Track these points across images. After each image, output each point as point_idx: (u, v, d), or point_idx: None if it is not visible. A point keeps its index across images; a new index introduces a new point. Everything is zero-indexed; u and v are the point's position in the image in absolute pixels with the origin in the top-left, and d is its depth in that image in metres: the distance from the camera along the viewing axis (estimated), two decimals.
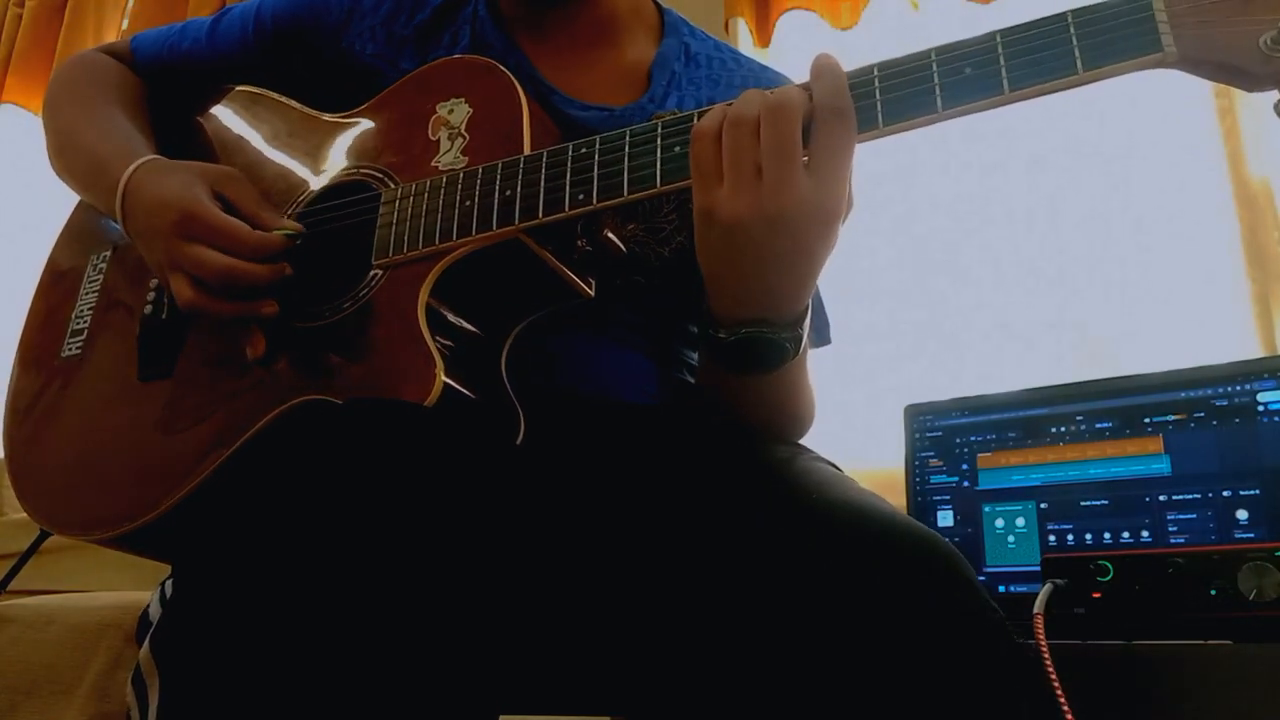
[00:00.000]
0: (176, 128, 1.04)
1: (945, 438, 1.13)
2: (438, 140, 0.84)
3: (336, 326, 0.81)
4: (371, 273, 0.81)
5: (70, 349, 0.98)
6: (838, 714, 0.58)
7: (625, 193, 0.73)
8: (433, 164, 0.83)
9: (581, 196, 0.74)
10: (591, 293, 0.83)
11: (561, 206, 0.75)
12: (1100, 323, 1.60)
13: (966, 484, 1.10)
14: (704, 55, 0.99)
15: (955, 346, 1.65)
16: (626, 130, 0.75)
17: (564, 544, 0.74)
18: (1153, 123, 1.59)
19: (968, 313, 1.66)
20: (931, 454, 1.14)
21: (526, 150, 0.79)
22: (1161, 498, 0.99)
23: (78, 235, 1.06)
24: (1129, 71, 0.65)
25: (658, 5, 1.02)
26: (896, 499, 1.13)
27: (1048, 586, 0.86)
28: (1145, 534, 0.99)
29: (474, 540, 0.63)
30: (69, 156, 1.00)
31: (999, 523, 1.07)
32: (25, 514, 0.92)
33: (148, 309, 0.93)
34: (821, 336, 0.99)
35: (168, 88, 1.06)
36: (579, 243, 0.80)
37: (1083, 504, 1.03)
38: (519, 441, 0.78)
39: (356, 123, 0.92)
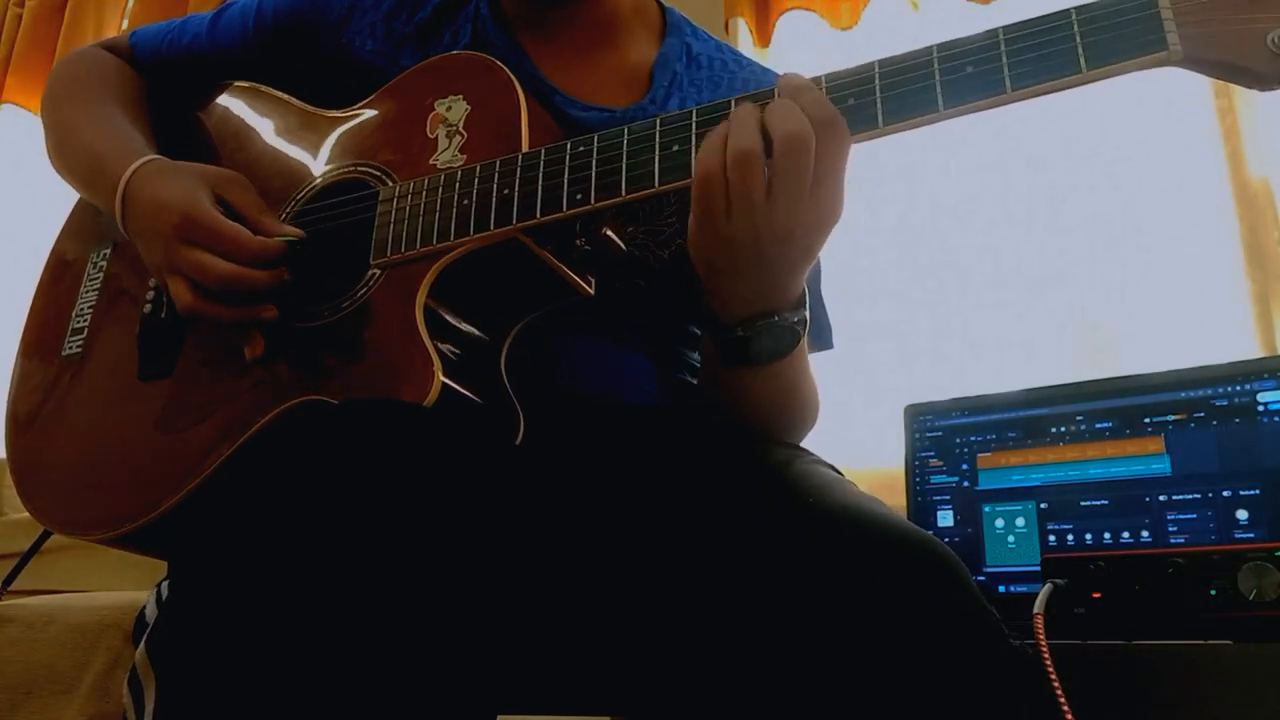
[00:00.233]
0: (175, 124, 1.03)
1: (945, 438, 1.13)
2: (436, 138, 0.84)
3: (335, 326, 0.81)
4: (370, 272, 0.81)
5: (71, 348, 0.98)
6: (838, 715, 0.58)
7: (623, 192, 0.73)
8: (430, 162, 0.83)
9: (579, 196, 0.74)
10: (591, 291, 0.83)
11: (559, 206, 0.75)
12: (1100, 323, 1.60)
13: (966, 484, 1.10)
14: (705, 56, 0.99)
15: (955, 346, 1.65)
16: (624, 129, 0.74)
17: (563, 544, 0.74)
18: (1153, 123, 1.59)
19: (968, 313, 1.67)
20: (931, 454, 1.13)
21: (525, 148, 0.79)
22: (1161, 498, 0.99)
23: (78, 233, 1.06)
24: (1133, 70, 0.64)
25: (660, 4, 1.02)
26: (896, 499, 1.13)
27: (1048, 586, 0.86)
28: (1145, 534, 0.99)
29: (472, 540, 0.63)
30: (68, 154, 1.00)
31: (999, 523, 1.07)
32: (26, 514, 0.92)
33: (147, 308, 0.93)
34: (823, 341, 0.99)
35: (167, 84, 1.06)
36: (578, 241, 0.80)
37: (1083, 504, 1.03)
38: (518, 441, 0.78)
39: (355, 119, 0.92)
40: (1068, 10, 0.65)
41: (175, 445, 0.84)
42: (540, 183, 0.76)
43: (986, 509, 1.08)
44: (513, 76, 0.82)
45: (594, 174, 0.74)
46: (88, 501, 0.88)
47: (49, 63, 2.37)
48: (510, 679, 0.77)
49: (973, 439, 1.12)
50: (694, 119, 0.72)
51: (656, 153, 0.73)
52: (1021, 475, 1.08)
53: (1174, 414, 1.01)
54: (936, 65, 0.67)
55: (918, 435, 1.15)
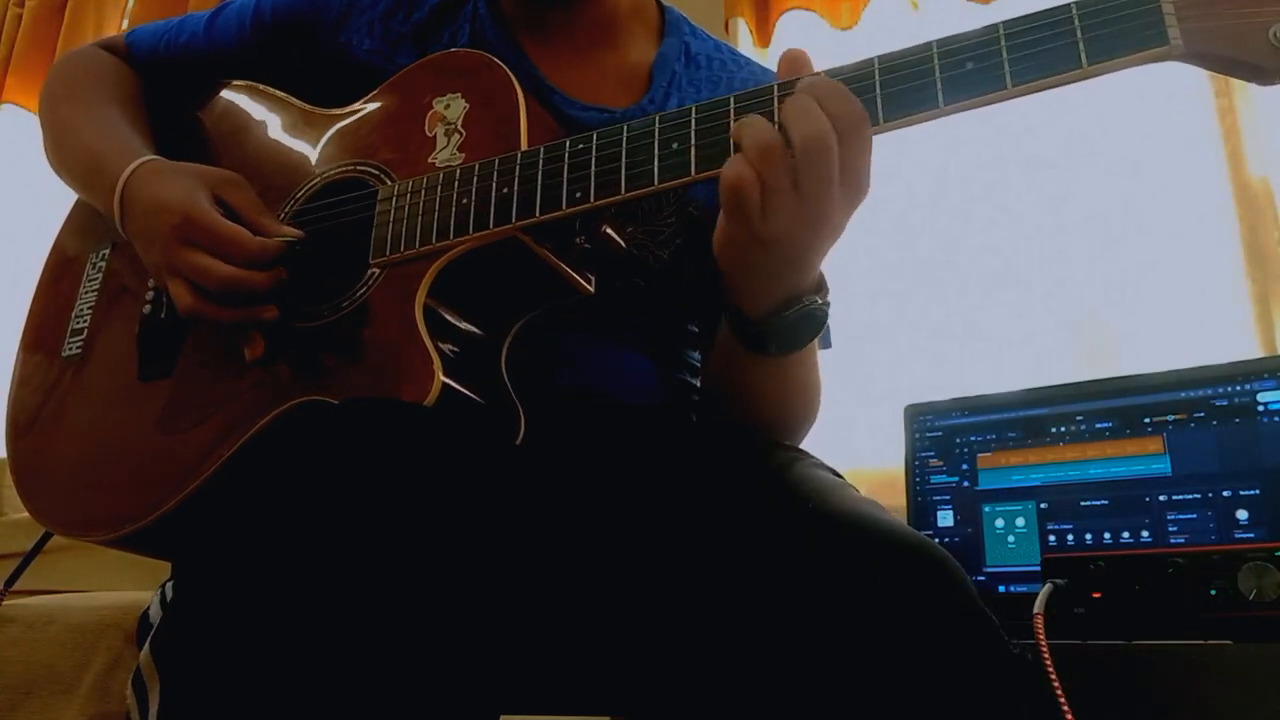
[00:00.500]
0: (173, 123, 1.03)
1: (945, 438, 1.13)
2: (434, 136, 0.83)
3: (335, 326, 0.81)
4: (369, 271, 0.81)
5: (71, 348, 0.98)
6: (837, 716, 0.58)
7: (623, 190, 0.73)
8: (429, 160, 0.82)
9: (579, 194, 0.74)
10: (591, 289, 0.83)
11: (559, 204, 0.74)
12: (1100, 323, 1.60)
13: (966, 484, 1.10)
14: (704, 55, 0.99)
15: (955, 346, 1.65)
16: (624, 126, 0.74)
17: (564, 544, 0.74)
18: (1153, 122, 1.59)
19: (968, 313, 1.67)
20: (931, 454, 1.14)
21: (523, 146, 0.78)
22: (1161, 498, 0.99)
23: (77, 233, 1.06)
24: (1134, 65, 0.63)
25: (659, 4, 1.02)
26: (896, 499, 1.13)
27: (1048, 586, 0.86)
28: (1145, 534, 0.99)
29: (473, 540, 0.63)
30: (66, 154, 1.00)
31: (999, 523, 1.07)
32: (26, 514, 0.92)
33: (147, 308, 0.93)
34: (823, 340, 0.99)
35: (165, 83, 1.06)
36: (577, 240, 0.80)
37: (1083, 504, 1.03)
38: (519, 441, 0.78)
39: (353, 118, 0.91)
40: (1068, 4, 0.64)
41: (175, 446, 0.84)
42: (539, 181, 0.75)
43: (986, 509, 1.08)
44: (511, 74, 0.82)
45: (593, 172, 0.74)
46: (88, 503, 0.88)
47: (49, 63, 2.37)
48: (512, 679, 0.77)
49: (973, 439, 1.12)
50: (693, 117, 0.72)
51: (655, 151, 0.72)
52: (1021, 475, 1.08)
53: (1174, 414, 1.01)
54: (936, 61, 0.66)
55: (918, 435, 1.15)
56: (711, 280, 0.77)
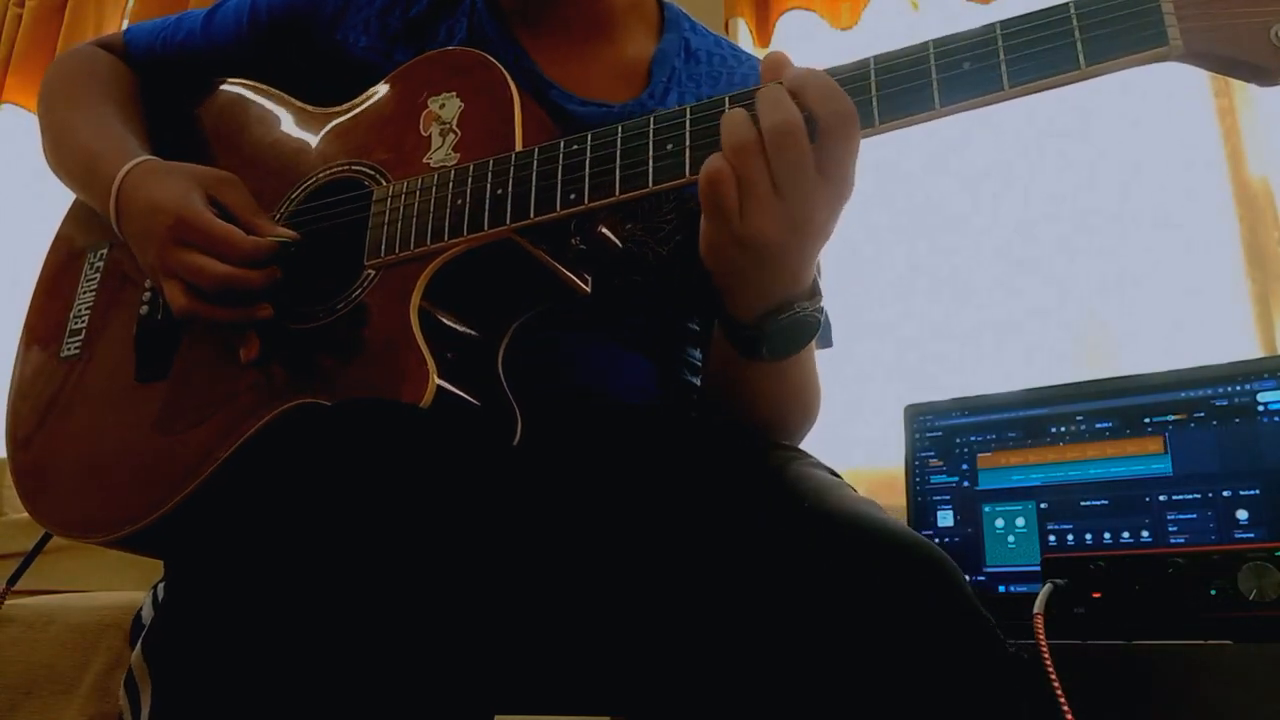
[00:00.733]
0: (170, 122, 1.03)
1: (945, 438, 1.13)
2: (429, 136, 0.83)
3: (330, 328, 0.81)
4: (364, 273, 0.81)
5: (69, 349, 0.98)
6: (835, 716, 0.58)
7: (617, 192, 0.72)
8: (424, 160, 0.82)
9: (573, 196, 0.74)
10: (588, 289, 0.83)
11: (553, 206, 0.74)
12: (1100, 323, 1.60)
13: (966, 484, 1.10)
14: (704, 51, 0.98)
15: (955, 346, 1.65)
16: (619, 127, 0.74)
17: (562, 544, 0.74)
18: (1153, 122, 1.59)
19: (968, 312, 1.66)
20: (931, 454, 1.14)
21: (518, 146, 0.78)
22: (1161, 498, 0.99)
23: (75, 232, 1.06)
24: (1133, 66, 0.62)
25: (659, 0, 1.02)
26: (896, 499, 1.13)
27: (1048, 586, 0.86)
28: (1145, 534, 0.99)
29: (470, 541, 0.63)
30: (64, 155, 1.00)
31: (999, 523, 1.07)
32: (26, 514, 0.92)
33: (144, 309, 0.93)
34: (824, 339, 0.99)
35: (162, 81, 1.06)
36: (573, 241, 0.80)
37: (1083, 504, 1.03)
38: (516, 442, 0.78)
39: (349, 117, 0.91)
40: (1066, 4, 0.64)
41: (173, 448, 0.84)
42: (534, 182, 0.75)
43: (986, 509, 1.08)
44: (506, 73, 0.82)
45: (588, 174, 0.74)
46: (87, 504, 0.88)
47: (49, 63, 2.35)
48: (509, 679, 0.77)
49: (973, 439, 1.12)
50: (688, 117, 0.72)
51: (650, 152, 0.72)
52: (1021, 475, 1.08)
53: (1174, 414, 1.01)
54: (933, 62, 0.66)
55: (918, 435, 1.15)
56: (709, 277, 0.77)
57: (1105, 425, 1.05)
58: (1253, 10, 0.60)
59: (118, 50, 1.07)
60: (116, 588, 1.59)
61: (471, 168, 0.78)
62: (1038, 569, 0.94)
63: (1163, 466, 1.00)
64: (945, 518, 1.10)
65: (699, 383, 0.97)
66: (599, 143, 0.74)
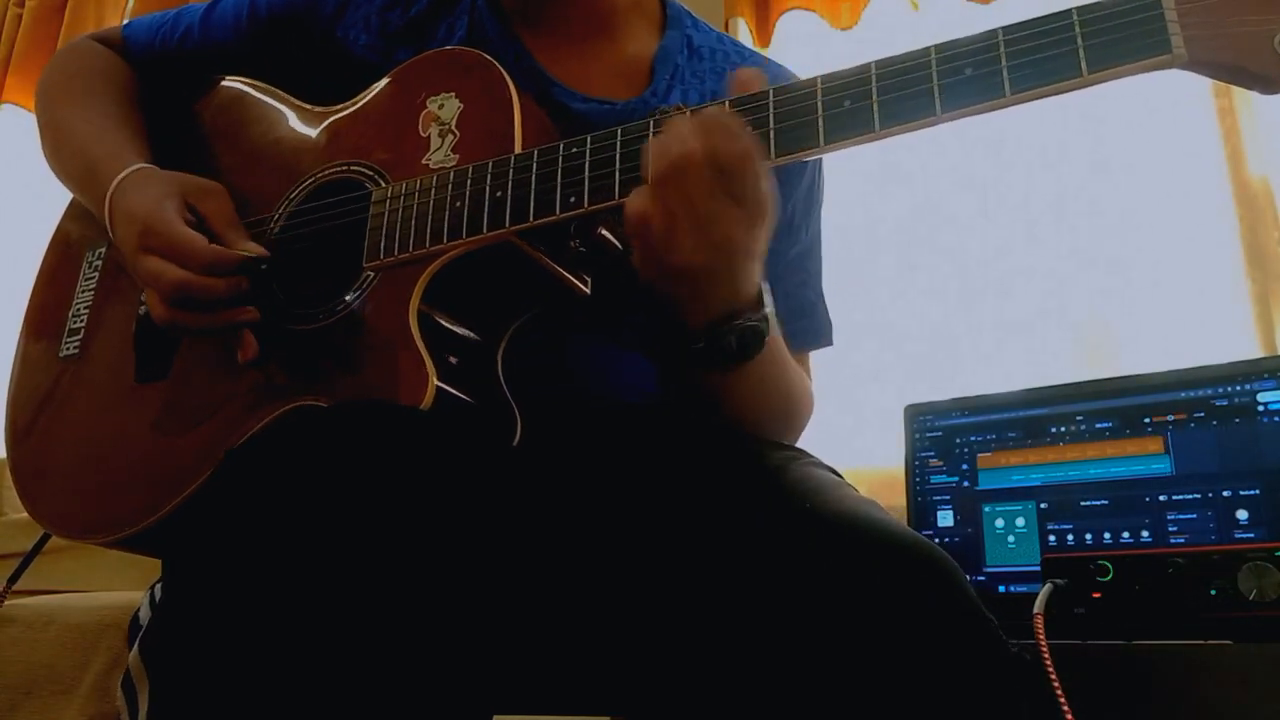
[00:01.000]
0: (168, 119, 1.03)
1: (945, 438, 1.13)
2: (428, 137, 0.83)
3: (330, 330, 0.81)
4: (364, 274, 0.81)
5: (68, 348, 0.98)
6: (835, 716, 0.58)
7: (617, 195, 0.72)
8: (423, 162, 0.82)
9: (573, 199, 0.74)
10: (587, 290, 0.82)
11: (553, 209, 0.74)
12: (1100, 323, 1.60)
13: (966, 484, 1.10)
14: (707, 48, 0.98)
15: (955, 346, 1.65)
16: (618, 129, 0.74)
17: (561, 544, 0.74)
18: (1152, 123, 1.59)
19: (968, 312, 1.66)
20: (931, 454, 1.13)
21: (518, 148, 0.78)
22: (1161, 498, 0.99)
23: (73, 231, 1.06)
24: (1135, 73, 0.62)
25: None
26: (896, 499, 1.13)
27: (1048, 586, 0.86)
28: (1145, 534, 0.99)
29: (469, 541, 0.63)
30: (63, 156, 1.00)
31: (999, 523, 1.07)
32: (26, 514, 0.92)
33: (142, 309, 0.93)
34: (824, 338, 0.99)
35: (160, 77, 1.05)
36: (572, 243, 0.80)
37: (1083, 504, 1.03)
38: (516, 443, 0.78)
39: (348, 117, 0.91)
40: (1068, 10, 0.63)
41: (172, 449, 0.84)
42: (533, 185, 0.75)
43: (986, 509, 1.08)
44: (506, 74, 0.82)
45: (587, 177, 0.73)
46: (86, 505, 0.88)
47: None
48: (508, 679, 0.77)
49: (973, 439, 1.12)
50: (686, 112, 0.72)
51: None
52: (1021, 475, 1.08)
53: (1174, 414, 1.01)
54: (934, 67, 0.66)
55: (918, 435, 1.15)
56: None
57: (1105, 425, 1.05)
58: (1256, 19, 0.60)
59: (115, 45, 1.07)
60: (116, 588, 1.59)
61: (471, 170, 0.78)
62: (1038, 569, 0.94)
63: (1163, 466, 1.00)
64: (945, 518, 1.10)
65: None
66: (598, 145, 0.74)
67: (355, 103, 0.91)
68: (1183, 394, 1.02)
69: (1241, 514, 0.95)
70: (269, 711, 0.53)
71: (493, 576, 0.65)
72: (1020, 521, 1.06)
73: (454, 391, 0.74)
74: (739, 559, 0.63)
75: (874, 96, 0.67)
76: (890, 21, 1.75)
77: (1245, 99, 1.48)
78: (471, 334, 0.81)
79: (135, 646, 0.59)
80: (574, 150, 0.75)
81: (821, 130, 0.68)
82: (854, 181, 1.72)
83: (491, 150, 0.79)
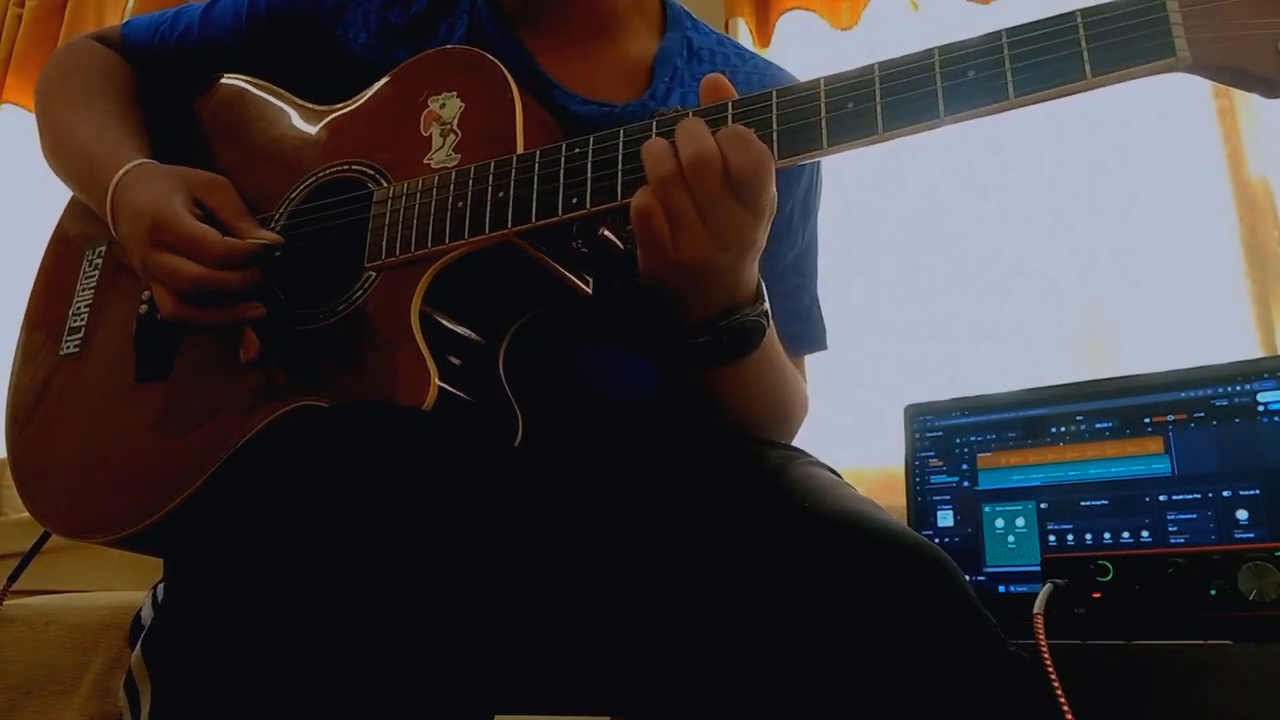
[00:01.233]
0: (168, 117, 1.03)
1: (945, 438, 1.13)
2: (429, 136, 0.83)
3: (331, 330, 0.80)
4: (365, 274, 0.81)
5: (69, 346, 0.97)
6: (835, 716, 0.58)
7: (619, 196, 0.72)
8: (425, 161, 0.82)
9: (575, 200, 0.73)
10: (589, 290, 0.82)
11: (555, 210, 0.74)
12: (1100, 323, 1.60)
13: (966, 484, 1.10)
14: (707, 50, 0.98)
15: (955, 346, 1.65)
16: (620, 130, 0.74)
17: (561, 544, 0.74)
18: (1152, 123, 1.58)
19: (968, 312, 1.66)
20: (931, 454, 1.14)
21: (520, 148, 0.78)
22: (1161, 498, 0.99)
23: (73, 229, 1.06)
24: (1139, 77, 0.62)
25: None
26: (896, 499, 1.13)
27: (1048, 586, 0.86)
28: (1145, 534, 0.99)
29: (470, 541, 0.63)
30: (63, 155, 1.00)
31: (999, 523, 1.07)
32: (26, 514, 0.92)
33: (143, 308, 0.93)
34: (819, 343, 0.99)
35: (160, 75, 1.05)
36: (574, 244, 0.80)
37: (1083, 504, 1.03)
38: (517, 443, 0.78)
39: (349, 116, 0.91)
40: (1073, 13, 0.63)
41: (173, 449, 0.84)
42: (535, 186, 0.75)
43: (986, 509, 1.08)
44: (507, 73, 0.82)
45: (590, 177, 0.73)
46: (87, 505, 0.88)
47: None
48: (508, 679, 0.77)
49: (973, 439, 1.12)
50: (688, 116, 0.72)
51: None
52: (1021, 475, 1.08)
53: (1174, 414, 1.01)
54: (938, 69, 0.66)
55: (918, 435, 1.15)
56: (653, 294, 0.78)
57: (1105, 425, 1.05)
58: (1261, 22, 0.60)
59: (115, 44, 1.07)
60: (116, 588, 1.59)
61: (472, 170, 0.78)
62: (1038, 569, 0.94)
63: (1163, 466, 1.00)
64: (945, 518, 1.10)
65: None
66: (601, 146, 0.74)
67: (356, 101, 0.91)
68: (1183, 394, 1.02)
69: (1241, 514, 0.95)
70: (271, 711, 0.53)
71: (493, 576, 0.65)
72: (1020, 521, 1.06)
73: (455, 392, 0.74)
74: (738, 559, 0.63)
75: (877, 98, 0.67)
76: (890, 21, 1.75)
77: (1245, 99, 1.48)
78: (473, 334, 0.81)
79: (138, 647, 0.59)
80: (576, 151, 0.75)
81: (825, 132, 0.68)
82: (854, 181, 1.72)
83: (493, 150, 0.78)
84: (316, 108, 0.94)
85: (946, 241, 1.70)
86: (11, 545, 1.54)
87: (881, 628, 0.58)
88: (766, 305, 0.76)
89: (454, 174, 0.79)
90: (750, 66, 0.99)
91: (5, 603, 1.08)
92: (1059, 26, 0.63)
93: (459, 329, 0.80)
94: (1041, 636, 0.77)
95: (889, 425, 1.26)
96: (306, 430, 0.64)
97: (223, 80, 1.03)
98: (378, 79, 0.90)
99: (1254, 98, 0.64)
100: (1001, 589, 1.04)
